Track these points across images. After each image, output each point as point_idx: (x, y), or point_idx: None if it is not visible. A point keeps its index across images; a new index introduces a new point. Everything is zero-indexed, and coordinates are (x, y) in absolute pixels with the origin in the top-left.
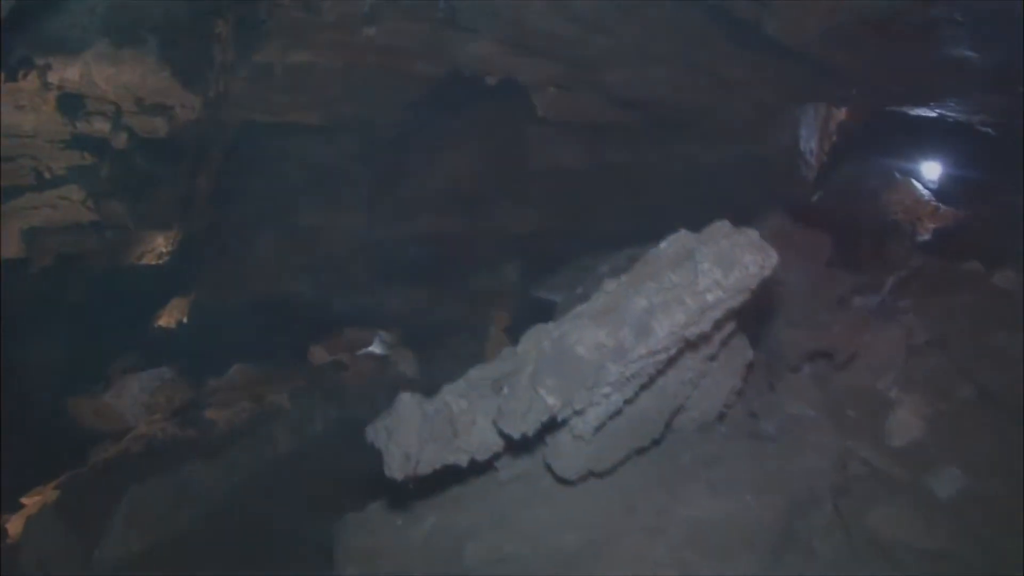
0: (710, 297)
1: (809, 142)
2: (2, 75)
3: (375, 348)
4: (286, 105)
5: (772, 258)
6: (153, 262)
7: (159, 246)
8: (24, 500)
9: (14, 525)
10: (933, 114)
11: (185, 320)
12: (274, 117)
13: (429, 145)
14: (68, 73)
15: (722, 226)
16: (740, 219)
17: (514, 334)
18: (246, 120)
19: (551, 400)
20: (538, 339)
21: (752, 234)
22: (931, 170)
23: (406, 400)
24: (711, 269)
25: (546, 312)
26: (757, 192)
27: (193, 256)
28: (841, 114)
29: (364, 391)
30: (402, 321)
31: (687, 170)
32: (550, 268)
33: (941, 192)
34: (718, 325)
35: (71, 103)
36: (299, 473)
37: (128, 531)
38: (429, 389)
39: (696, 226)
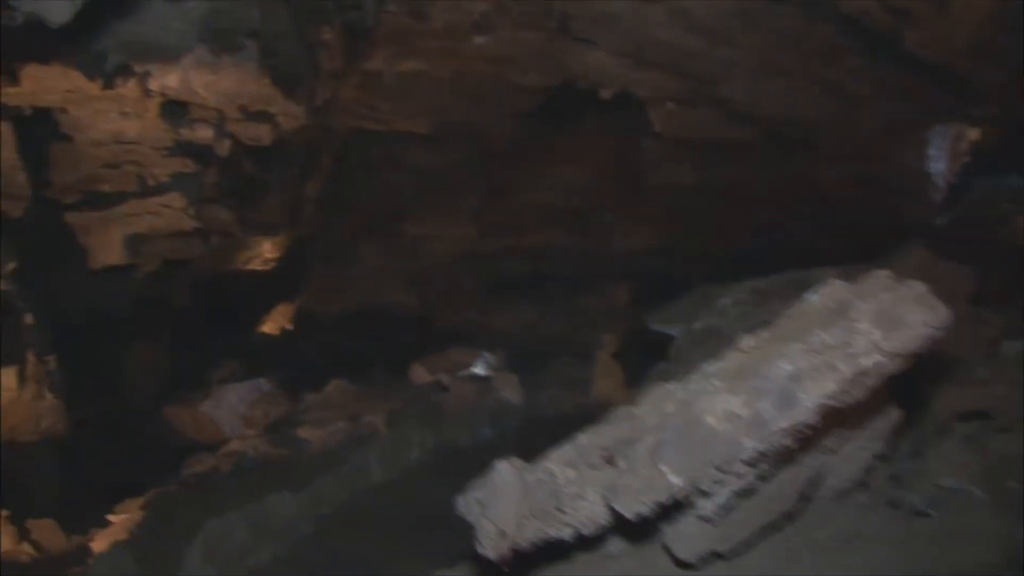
0: (867, 362)
1: (938, 162)
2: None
3: (478, 369)
4: (394, 113)
5: (942, 316)
6: (259, 268)
7: (266, 251)
8: (111, 517)
9: (99, 542)
10: None
11: (289, 327)
12: (382, 125)
13: (540, 157)
14: (168, 80)
15: (882, 276)
16: (863, 241)
17: (624, 360)
18: (355, 127)
19: (674, 479)
20: (660, 403)
21: (919, 288)
22: None
23: (503, 470)
24: (869, 329)
25: (659, 344)
26: (879, 213)
27: (299, 262)
28: (974, 132)
29: (464, 416)
30: (506, 339)
31: (805, 189)
32: (664, 293)
33: None
34: (872, 392)
35: (174, 110)
36: (390, 508)
37: (205, 566)
38: (533, 417)
39: (815, 248)
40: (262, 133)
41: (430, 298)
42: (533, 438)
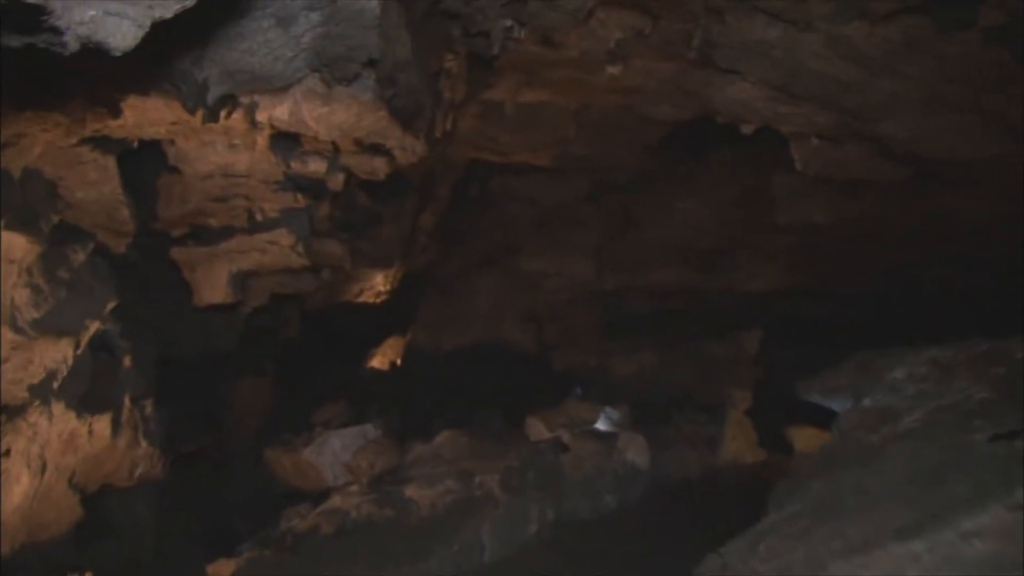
0: None
1: None
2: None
3: (600, 425)
4: (515, 144)
5: None
6: (371, 300)
7: (378, 284)
8: (210, 569)
9: None
10: None
11: (399, 362)
12: (502, 157)
13: (664, 191)
14: (277, 112)
15: None
16: (1003, 279)
17: (758, 418)
18: (473, 158)
19: None
20: None
21: None
22: None
23: None
24: None
25: (810, 410)
26: (1016, 250)
27: (412, 296)
28: None
29: (586, 481)
30: (626, 386)
31: (947, 227)
32: (795, 338)
33: None
34: None
35: (284, 143)
36: None
37: None
38: (658, 482)
39: (954, 287)
40: (378, 166)
41: (547, 337)
42: (660, 509)
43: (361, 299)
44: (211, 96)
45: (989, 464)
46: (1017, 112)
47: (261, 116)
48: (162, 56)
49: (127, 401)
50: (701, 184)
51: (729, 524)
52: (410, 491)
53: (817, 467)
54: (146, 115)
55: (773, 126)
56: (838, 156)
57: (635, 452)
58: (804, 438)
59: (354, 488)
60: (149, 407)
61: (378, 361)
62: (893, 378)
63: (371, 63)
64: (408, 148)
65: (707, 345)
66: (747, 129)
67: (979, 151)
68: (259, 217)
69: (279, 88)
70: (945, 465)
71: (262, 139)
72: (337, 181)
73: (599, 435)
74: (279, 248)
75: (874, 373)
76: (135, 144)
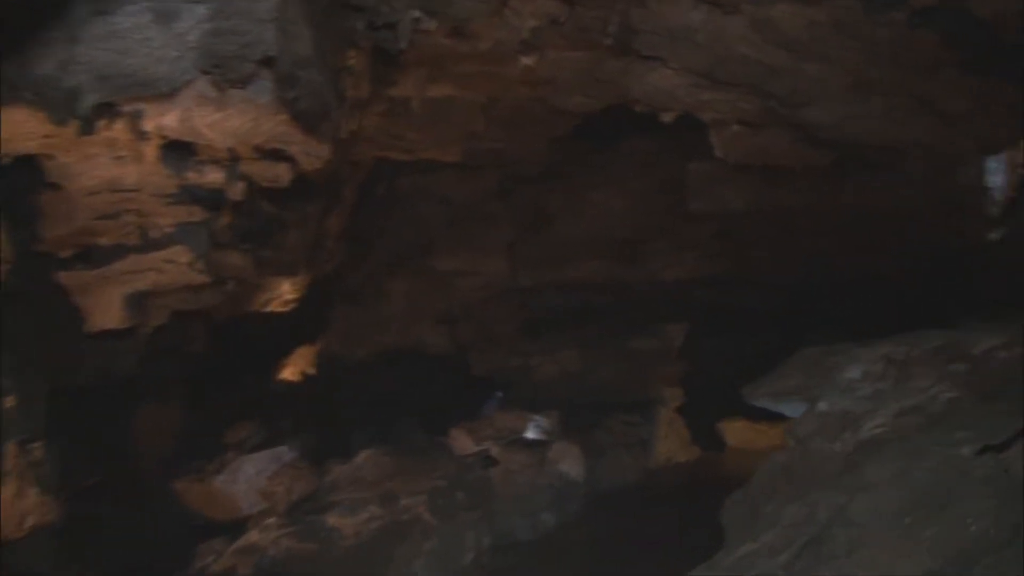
0: None
1: (996, 176)
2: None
3: (529, 434)
4: (422, 141)
5: None
6: (278, 309)
7: (286, 292)
8: None
9: None
10: None
11: (311, 371)
12: (409, 155)
13: (577, 183)
14: (166, 120)
15: None
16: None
17: (688, 414)
18: (379, 158)
19: None
20: None
21: None
22: None
23: None
24: None
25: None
26: (935, 234)
27: (322, 302)
28: None
29: (521, 500)
30: (551, 387)
31: (869, 214)
32: (721, 331)
33: None
34: None
35: (177, 153)
36: None
37: None
38: (596, 493)
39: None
40: (280, 173)
41: (464, 338)
42: (600, 524)
43: (269, 309)
44: (83, 105)
45: (986, 486)
46: (944, 97)
47: (148, 125)
48: (21, 61)
49: (11, 448)
50: (615, 174)
51: (676, 539)
52: (332, 519)
53: (778, 483)
54: (13, 128)
55: (694, 114)
56: (760, 142)
57: (569, 462)
58: (737, 432)
59: (271, 520)
60: (38, 450)
61: (290, 372)
62: (847, 378)
63: (268, 61)
64: (313, 153)
65: (631, 340)
66: (667, 117)
67: (907, 137)
68: (153, 234)
69: (165, 93)
70: (937, 488)
71: (151, 150)
72: (237, 190)
73: (529, 445)
74: (176, 266)
75: (826, 373)
76: (6, 161)
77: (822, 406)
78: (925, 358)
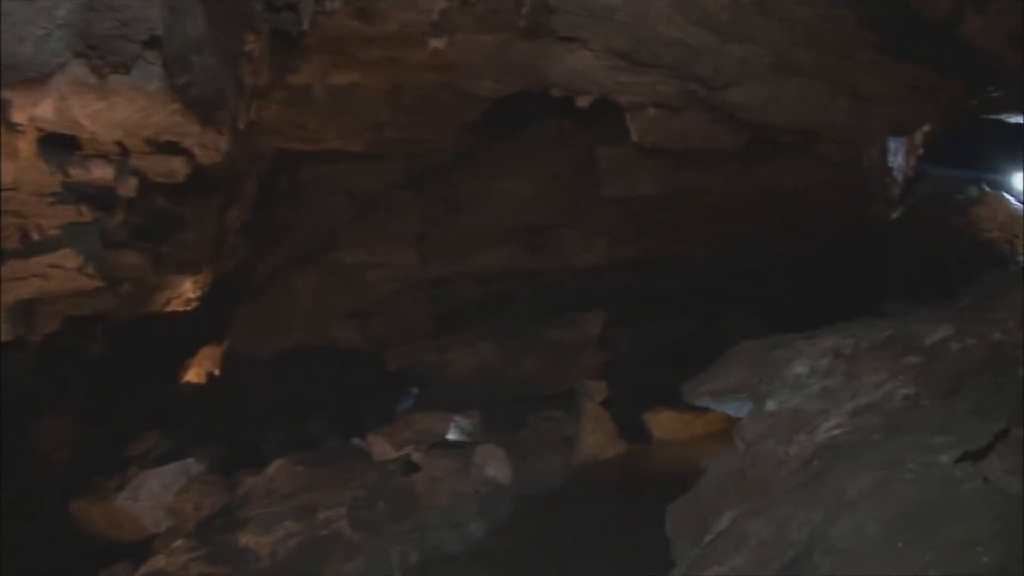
0: None
1: (897, 157)
2: None
3: (451, 436)
4: (325, 131)
5: None
6: (180, 309)
7: (187, 291)
8: None
9: None
10: None
11: (217, 372)
12: (312, 145)
13: (485, 171)
14: (39, 110)
15: None
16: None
17: (619, 410)
18: (281, 148)
19: None
20: None
21: None
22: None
23: None
24: None
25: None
26: (842, 215)
27: (225, 300)
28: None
29: (448, 509)
30: (469, 382)
31: (771, 195)
32: (638, 318)
33: None
34: None
35: (58, 147)
36: None
37: None
38: (524, 497)
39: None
40: (176, 168)
41: (375, 333)
42: (532, 532)
43: (170, 308)
44: None
45: (976, 502)
46: (861, 78)
47: (18, 117)
48: None
49: None
50: (524, 161)
51: (612, 545)
52: (245, 538)
53: (728, 491)
54: None
55: (612, 97)
56: (677, 126)
57: (495, 466)
58: (663, 424)
59: (179, 543)
60: None
61: (194, 374)
62: (794, 374)
63: (153, 42)
64: (210, 145)
65: (549, 330)
66: (583, 102)
67: (824, 119)
68: (35, 236)
69: (34, 79)
70: (924, 504)
71: (27, 144)
72: (129, 187)
73: (452, 449)
74: (64, 271)
75: (769, 368)
76: None
77: (770, 405)
78: (875, 351)
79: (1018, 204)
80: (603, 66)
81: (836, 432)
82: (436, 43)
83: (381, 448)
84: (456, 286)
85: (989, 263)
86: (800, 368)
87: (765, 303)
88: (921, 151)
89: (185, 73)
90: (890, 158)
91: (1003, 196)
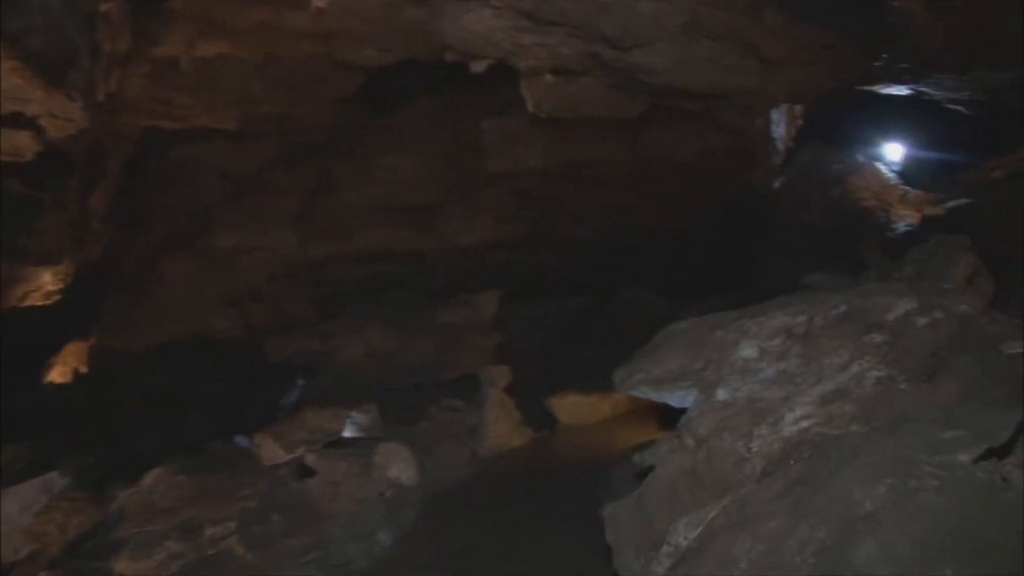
0: None
1: (779, 127)
2: None
3: (348, 432)
4: (195, 107)
5: None
6: (41, 303)
7: (47, 284)
8: None
9: None
10: (905, 92)
11: (84, 370)
12: (181, 122)
13: (365, 147)
14: None
15: None
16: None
17: (522, 395)
18: (147, 127)
19: None
20: None
21: None
22: (894, 152)
23: None
24: None
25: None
26: (727, 184)
27: (91, 292)
28: None
29: (350, 519)
30: (359, 370)
31: (660, 165)
32: (533, 297)
33: (906, 175)
34: None
35: None
36: None
37: None
38: (431, 499)
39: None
40: (22, 144)
41: (256, 322)
42: (445, 539)
43: (28, 303)
44: None
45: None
46: (766, 40)
47: None
48: None
49: None
50: (404, 136)
51: (532, 550)
52: (121, 564)
53: (680, 495)
54: None
55: (510, 61)
56: (572, 92)
57: (398, 466)
58: (568, 408)
59: (43, 573)
60: None
61: (58, 373)
62: (742, 357)
63: None
64: (60, 115)
65: (439, 313)
66: (478, 67)
67: (733, 82)
68: None
69: None
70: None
71: None
72: None
73: (349, 448)
74: None
75: (714, 352)
76: None
77: (721, 394)
78: (831, 329)
79: (891, 174)
80: (504, 26)
81: (805, 424)
82: (318, 2)
83: (270, 450)
84: (338, 269)
85: (867, 231)
86: (749, 351)
87: (656, 276)
88: (800, 122)
89: (19, 15)
90: (773, 128)
91: (877, 166)
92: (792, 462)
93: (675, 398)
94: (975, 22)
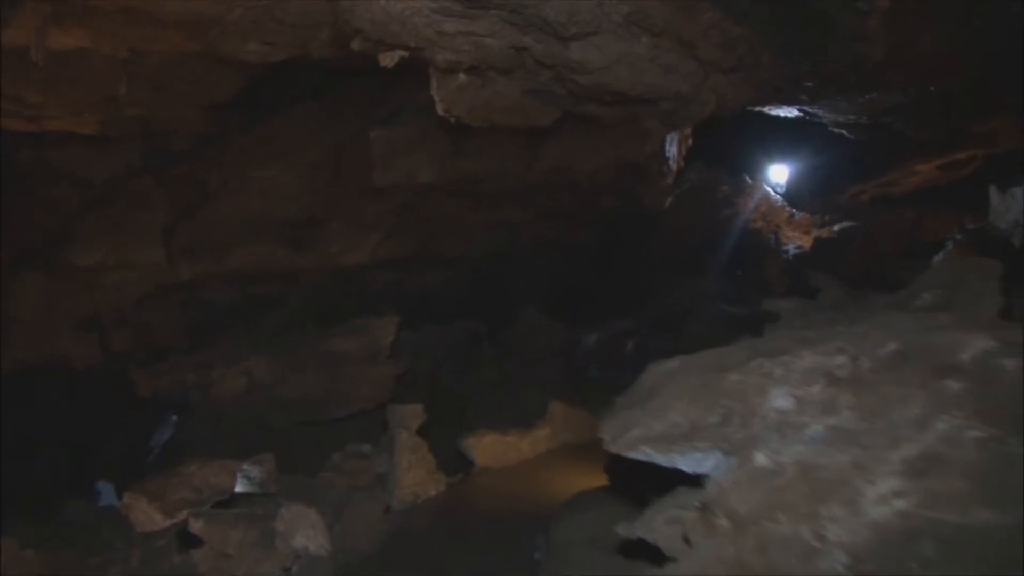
0: None
1: (671, 145)
2: None
3: (240, 487)
4: (49, 107)
5: None
6: None
7: None
8: None
9: None
10: (793, 114)
11: None
12: (33, 124)
13: (241, 157)
14: None
15: None
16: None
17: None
18: None
19: None
20: None
21: None
22: (779, 174)
23: None
24: None
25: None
26: (619, 200)
27: None
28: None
29: None
30: (240, 406)
31: (556, 180)
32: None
33: (789, 196)
34: None
35: None
36: None
37: None
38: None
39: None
40: None
41: (119, 349)
42: None
43: None
44: None
45: None
46: (701, 42)
47: None
48: None
49: None
50: (281, 146)
51: None
52: None
53: None
54: None
55: (425, 55)
56: (487, 96)
57: (305, 533)
58: (485, 448)
59: None
60: None
61: None
62: (774, 409)
63: None
64: None
65: (328, 341)
66: (388, 60)
67: (669, 86)
68: None
69: None
70: None
71: None
72: None
73: (243, 511)
74: None
75: (734, 401)
76: None
77: (760, 459)
78: (887, 373)
79: (777, 196)
80: (425, 8)
81: (901, 505)
82: None
83: (145, 514)
84: (210, 289)
85: (757, 252)
86: (782, 401)
87: (549, 298)
88: (690, 141)
89: None
90: (666, 146)
91: (764, 187)
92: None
93: (689, 462)
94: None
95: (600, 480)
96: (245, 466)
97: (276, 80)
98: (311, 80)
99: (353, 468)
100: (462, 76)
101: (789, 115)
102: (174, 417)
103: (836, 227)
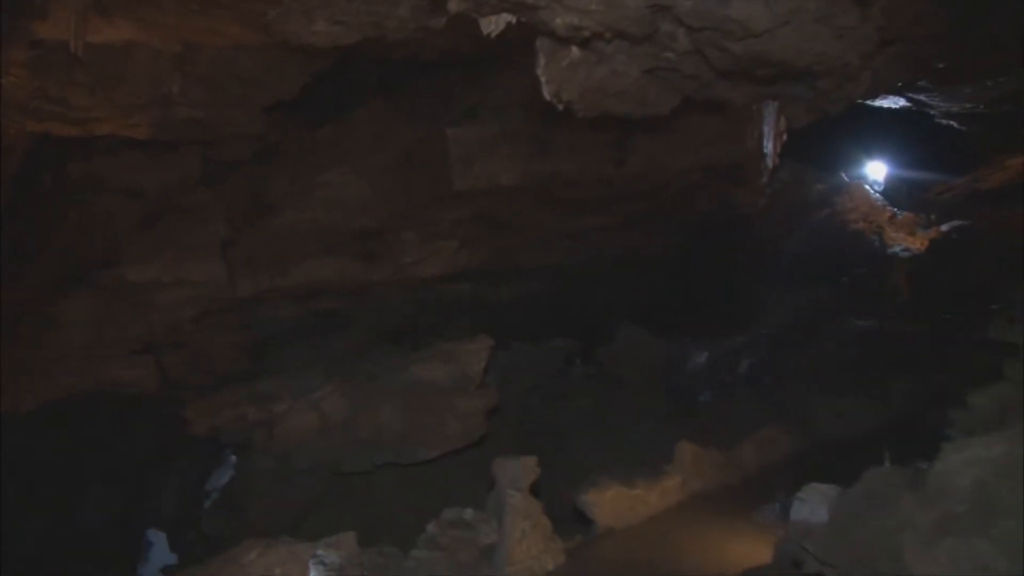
0: None
1: (768, 142)
2: None
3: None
4: (95, 108)
5: None
6: None
7: None
8: None
9: None
10: (898, 105)
11: None
12: (80, 128)
13: (305, 161)
14: None
15: None
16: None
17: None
18: (38, 134)
19: None
20: None
21: None
22: (877, 171)
23: None
24: None
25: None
26: (712, 203)
27: None
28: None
29: None
30: (311, 446)
31: (646, 181)
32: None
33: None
34: None
35: None
36: None
37: None
38: None
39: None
40: None
41: (174, 373)
42: None
43: None
44: None
45: None
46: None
47: None
48: None
49: None
50: (349, 150)
51: None
52: None
53: None
54: None
55: (539, 17)
56: (600, 76)
57: None
58: (607, 504)
59: None
60: None
61: None
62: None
63: None
64: None
65: (413, 367)
66: (491, 26)
67: (839, 55)
68: None
69: None
70: None
71: None
72: None
73: None
74: None
75: None
76: None
77: None
78: None
79: (877, 194)
80: None
81: None
82: None
83: None
84: (271, 306)
85: (859, 256)
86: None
87: (643, 311)
88: (785, 137)
89: None
90: (764, 143)
91: (863, 185)
92: None
93: None
94: None
95: (756, 544)
96: (319, 551)
97: (341, 76)
98: (379, 76)
99: (453, 541)
100: (575, 51)
101: (894, 106)
102: (233, 457)
103: (944, 227)
